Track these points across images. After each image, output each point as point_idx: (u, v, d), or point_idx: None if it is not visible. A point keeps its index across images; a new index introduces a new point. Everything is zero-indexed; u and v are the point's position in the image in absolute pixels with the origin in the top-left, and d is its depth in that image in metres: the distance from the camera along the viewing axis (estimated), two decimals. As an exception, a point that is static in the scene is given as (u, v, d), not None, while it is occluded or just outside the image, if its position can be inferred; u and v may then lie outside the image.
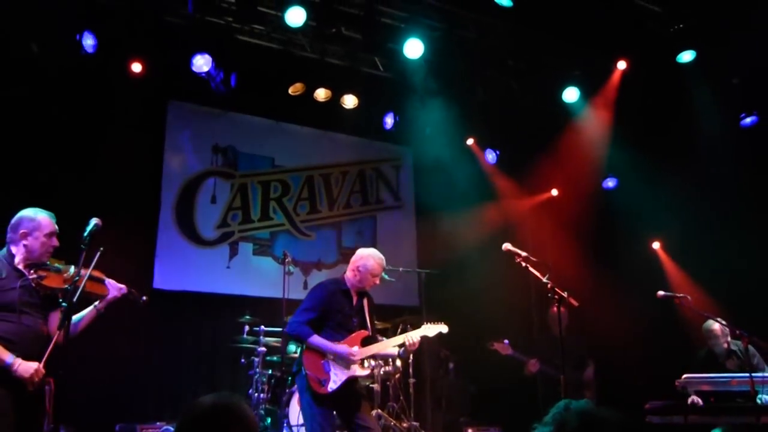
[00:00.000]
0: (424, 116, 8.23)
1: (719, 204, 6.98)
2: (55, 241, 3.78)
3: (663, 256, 7.82)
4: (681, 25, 6.91)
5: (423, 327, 4.96)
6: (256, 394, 6.19)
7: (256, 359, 6.28)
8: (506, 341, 6.72)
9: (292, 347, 6.40)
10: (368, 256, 4.80)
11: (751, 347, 5.43)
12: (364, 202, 8.93)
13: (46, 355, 3.51)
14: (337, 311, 4.66)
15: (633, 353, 7.01)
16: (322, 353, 4.52)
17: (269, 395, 6.29)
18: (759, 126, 7.05)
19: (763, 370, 5.38)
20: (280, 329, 6.30)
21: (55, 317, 3.72)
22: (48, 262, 3.73)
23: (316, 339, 4.52)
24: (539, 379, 6.76)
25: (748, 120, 7.16)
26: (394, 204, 9.16)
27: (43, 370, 3.51)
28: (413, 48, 6.96)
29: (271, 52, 7.35)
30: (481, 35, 7.30)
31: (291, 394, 6.10)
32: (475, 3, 6.85)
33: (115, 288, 3.86)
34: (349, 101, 7.96)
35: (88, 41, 6.32)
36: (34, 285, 3.63)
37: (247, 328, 6.56)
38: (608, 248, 7.99)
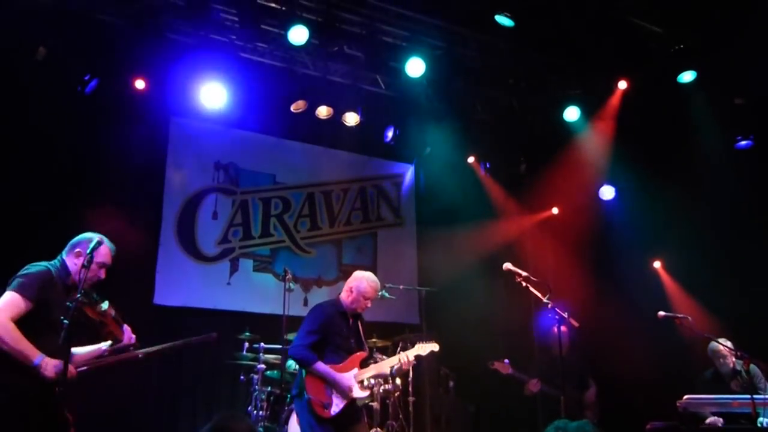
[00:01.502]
0: (426, 134, 8.27)
1: (720, 223, 6.98)
2: (103, 274, 3.80)
3: (664, 275, 7.81)
4: (682, 46, 6.95)
5: (416, 347, 5.01)
6: (255, 412, 6.16)
7: (256, 376, 6.26)
8: (506, 361, 6.71)
9: (291, 364, 6.37)
10: (362, 278, 4.84)
11: (754, 368, 5.42)
12: (364, 219, 8.94)
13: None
14: (336, 333, 4.71)
15: (633, 373, 6.98)
16: (324, 379, 4.56)
17: (268, 412, 6.26)
18: (758, 145, 7.06)
19: (764, 391, 5.36)
20: (279, 346, 6.28)
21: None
22: (90, 292, 3.75)
23: (321, 366, 4.57)
24: (539, 398, 6.72)
25: (743, 143, 7.19)
26: (394, 221, 9.17)
27: (75, 371, 3.57)
28: (415, 66, 7.01)
29: (273, 69, 7.40)
30: (482, 54, 7.35)
31: (290, 412, 6.06)
32: (476, 22, 6.90)
33: (128, 335, 3.91)
34: (351, 119, 7.99)
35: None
36: (75, 307, 3.59)
37: (246, 344, 6.54)
38: (609, 268, 7.97)
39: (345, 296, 4.84)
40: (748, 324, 6.12)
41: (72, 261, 3.73)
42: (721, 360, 5.67)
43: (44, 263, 3.70)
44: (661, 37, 6.92)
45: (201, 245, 7.69)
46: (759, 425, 4.73)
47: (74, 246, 3.77)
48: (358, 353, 4.75)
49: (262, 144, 8.36)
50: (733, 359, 5.57)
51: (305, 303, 7.80)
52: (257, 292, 7.81)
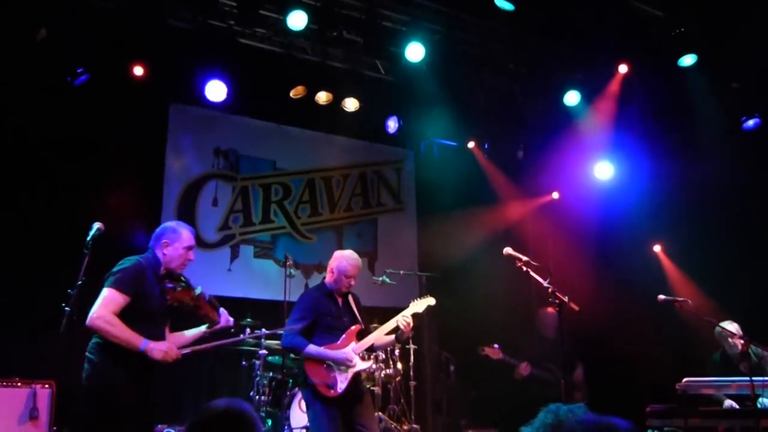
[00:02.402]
0: (426, 119, 8.24)
1: (720, 207, 6.99)
2: (192, 255, 3.98)
3: (664, 259, 7.83)
4: (682, 29, 6.91)
5: (411, 305, 5.06)
6: (257, 397, 6.20)
7: (257, 362, 6.29)
8: (496, 346, 6.74)
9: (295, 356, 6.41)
10: (341, 257, 4.86)
11: (758, 350, 5.45)
12: (365, 204, 8.94)
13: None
14: (326, 315, 4.74)
15: (635, 357, 7.01)
16: (321, 360, 4.58)
17: (270, 398, 6.30)
18: (760, 129, 7.06)
19: None
20: (281, 332, 6.31)
21: (167, 328, 3.97)
22: (182, 276, 3.89)
23: (313, 349, 4.59)
24: (532, 382, 6.76)
25: (750, 123, 7.16)
26: (395, 207, 9.17)
27: (179, 352, 3.75)
28: (414, 51, 6.98)
29: (272, 55, 7.36)
30: (483, 39, 7.31)
31: (292, 397, 6.11)
32: (476, 6, 6.87)
33: (225, 318, 4.02)
34: (351, 104, 7.97)
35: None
36: (168, 296, 3.80)
37: (248, 330, 6.56)
38: (609, 252, 7.99)
39: (329, 278, 4.89)
40: (750, 307, 6.14)
41: (161, 252, 3.86)
42: (729, 342, 5.69)
43: (135, 257, 3.83)
44: (661, 20, 6.89)
45: (201, 232, 7.69)
46: (759, 406, 4.77)
47: (160, 237, 3.90)
48: (352, 328, 4.77)
49: (261, 130, 8.34)
50: (741, 341, 5.58)
51: (306, 289, 7.81)
52: (258, 279, 7.83)
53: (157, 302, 3.76)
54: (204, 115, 7.82)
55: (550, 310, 6.59)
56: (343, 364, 4.58)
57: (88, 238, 3.67)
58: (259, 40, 7.23)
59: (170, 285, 3.79)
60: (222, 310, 4.04)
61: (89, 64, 6.57)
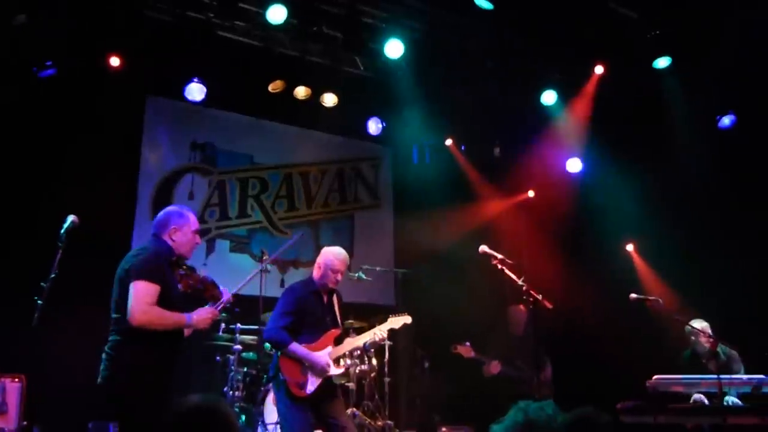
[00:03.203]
0: (404, 116, 8.26)
1: (693, 207, 7.10)
2: (199, 239, 3.95)
3: (636, 258, 7.94)
4: (657, 32, 7.01)
5: (389, 320, 5.09)
6: (231, 392, 6.17)
7: (232, 357, 6.26)
8: (467, 343, 6.79)
9: (268, 344, 6.39)
10: (329, 253, 4.87)
11: (726, 348, 5.58)
12: (342, 200, 8.94)
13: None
14: (310, 312, 4.74)
15: (606, 354, 7.11)
16: (299, 360, 4.59)
17: (244, 393, 6.28)
18: (733, 130, 7.17)
19: (739, 372, 5.51)
20: (256, 327, 6.29)
21: None
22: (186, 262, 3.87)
23: (295, 347, 4.59)
24: (500, 380, 6.82)
25: (726, 121, 7.23)
26: (372, 203, 9.18)
27: (215, 311, 3.80)
28: (394, 48, 6.99)
29: (251, 48, 7.32)
30: (461, 37, 7.35)
31: (266, 392, 6.10)
32: (455, 5, 6.89)
33: (226, 294, 3.97)
34: (329, 100, 7.95)
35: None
36: (181, 282, 3.76)
37: (223, 325, 6.53)
38: (583, 250, 8.09)
39: (316, 274, 4.87)
40: (720, 307, 6.26)
41: (170, 239, 3.79)
42: (697, 341, 5.80)
43: (149, 244, 3.76)
44: (637, 22, 6.98)
45: (177, 225, 7.62)
46: (725, 404, 4.87)
47: (167, 224, 3.81)
48: (332, 331, 4.79)
49: (239, 124, 8.30)
50: (709, 340, 5.69)
51: (282, 284, 7.79)
52: (234, 273, 7.76)
53: (176, 290, 3.71)
54: (181, 108, 7.76)
55: (521, 307, 6.68)
56: (321, 371, 4.60)
57: (62, 231, 3.62)
58: (239, 33, 7.19)
59: (182, 272, 3.76)
60: (222, 288, 4.02)
61: (65, 52, 6.46)
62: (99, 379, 3.57)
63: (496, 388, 6.80)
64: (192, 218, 3.90)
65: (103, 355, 3.59)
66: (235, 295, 4.08)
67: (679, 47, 7.02)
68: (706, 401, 5.06)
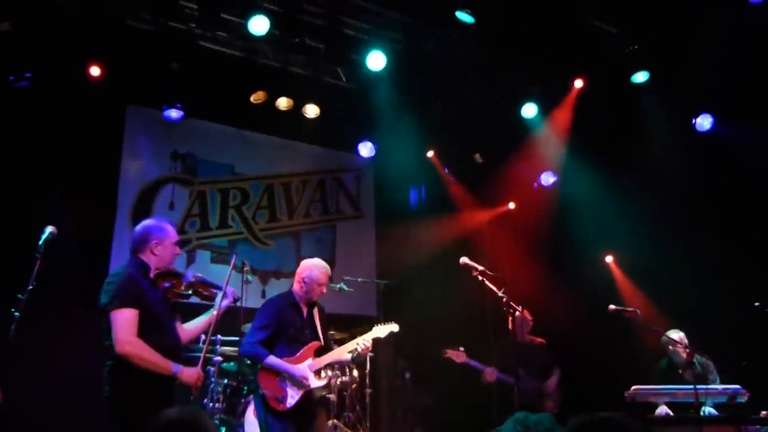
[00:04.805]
0: (385, 128, 8.29)
1: (671, 220, 7.20)
2: (178, 249, 3.92)
3: (615, 269, 8.03)
4: (636, 47, 7.13)
5: (374, 329, 4.99)
6: (211, 404, 6.12)
7: (212, 368, 6.21)
8: (461, 348, 6.71)
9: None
10: (312, 266, 4.82)
11: (702, 359, 5.64)
12: (324, 211, 8.94)
13: (201, 361, 3.80)
14: (289, 325, 4.68)
15: (585, 365, 7.16)
16: (277, 372, 4.54)
17: (224, 405, 6.23)
18: (710, 143, 7.27)
19: (714, 382, 5.58)
20: (237, 338, 6.25)
21: (177, 324, 3.90)
22: (171, 270, 3.83)
23: (272, 360, 4.54)
24: (495, 388, 6.80)
25: (706, 125, 7.27)
26: (354, 214, 9.19)
27: (202, 374, 3.76)
28: (376, 60, 7.02)
29: (233, 59, 7.32)
30: (443, 49, 7.41)
31: (247, 404, 6.05)
32: (437, 18, 6.95)
33: (231, 292, 4.03)
34: (311, 111, 7.97)
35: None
36: (169, 295, 3.75)
37: (203, 336, 6.48)
38: (563, 261, 8.16)
39: (298, 287, 4.82)
40: (697, 317, 6.34)
41: (151, 253, 3.76)
42: (674, 351, 5.86)
43: (122, 269, 3.72)
44: (616, 37, 7.09)
45: (157, 236, 7.57)
46: (702, 413, 4.94)
47: (147, 239, 3.77)
48: (312, 343, 4.72)
49: (220, 134, 8.28)
50: (686, 350, 5.76)
51: (263, 295, 7.75)
52: (214, 284, 7.74)
53: (160, 306, 3.68)
54: (162, 117, 7.72)
55: (525, 314, 6.59)
56: (299, 382, 4.53)
57: (40, 242, 3.59)
58: (220, 44, 7.18)
59: (167, 284, 3.73)
60: (228, 289, 4.04)
61: (45, 61, 6.42)
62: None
63: (482, 398, 6.77)
64: (171, 230, 3.89)
65: (105, 374, 3.60)
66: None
67: (657, 62, 7.13)
68: (669, 413, 5.12)
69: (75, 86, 6.76)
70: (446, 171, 8.99)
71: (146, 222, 3.88)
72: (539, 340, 6.82)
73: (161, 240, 3.78)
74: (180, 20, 6.76)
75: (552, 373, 6.79)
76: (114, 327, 3.48)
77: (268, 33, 6.65)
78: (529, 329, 6.69)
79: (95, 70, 6.74)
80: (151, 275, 3.73)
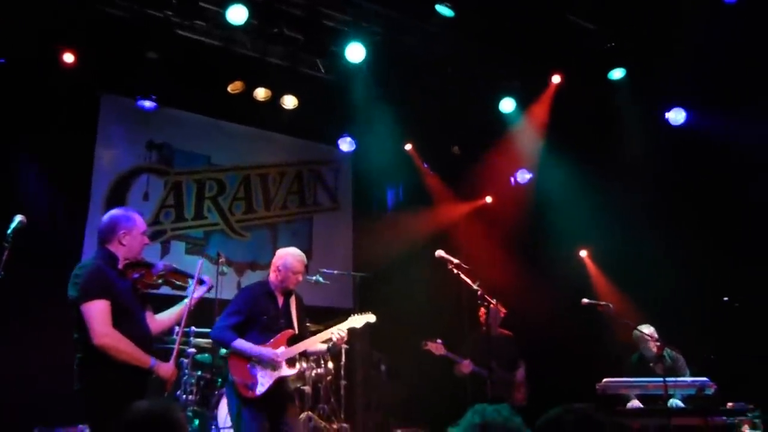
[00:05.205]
0: (364, 120, 8.29)
1: (644, 215, 7.29)
2: (146, 239, 3.85)
3: (589, 263, 8.12)
4: (613, 44, 7.19)
5: (350, 319, 4.97)
6: (185, 396, 6.08)
7: (185, 360, 6.17)
8: (439, 341, 6.74)
9: (223, 349, 6.33)
10: (287, 254, 4.81)
11: (672, 353, 5.75)
12: (301, 203, 8.92)
13: (174, 356, 3.72)
14: (263, 313, 4.65)
15: (558, 357, 7.25)
16: (247, 357, 4.50)
17: (198, 397, 6.20)
18: (683, 141, 7.36)
19: (683, 375, 5.68)
20: (211, 330, 6.22)
21: (149, 315, 3.83)
22: (140, 260, 3.77)
23: (240, 343, 4.49)
24: (469, 380, 6.85)
25: (680, 119, 7.33)
26: (331, 206, 9.17)
27: (176, 370, 3.73)
28: (355, 52, 7.00)
29: (211, 48, 7.24)
30: (422, 42, 7.40)
31: (220, 396, 6.03)
32: (417, 10, 6.94)
33: (207, 280, 3.99)
34: (289, 102, 7.93)
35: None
36: (138, 285, 3.69)
37: (176, 328, 6.43)
38: (538, 255, 8.24)
39: (273, 276, 4.79)
40: (668, 312, 6.44)
41: (119, 244, 3.70)
42: (645, 345, 5.96)
43: (89, 261, 3.68)
44: (594, 34, 7.14)
45: (131, 226, 7.49)
46: (670, 406, 5.02)
47: (115, 230, 3.70)
48: (285, 331, 4.69)
49: (197, 124, 8.21)
50: (657, 344, 5.84)
51: (239, 287, 7.72)
52: (189, 276, 7.68)
53: (129, 297, 3.63)
54: (137, 106, 7.62)
55: (500, 308, 6.64)
56: (270, 363, 4.48)
57: (9, 231, 3.53)
58: (198, 32, 7.10)
59: (136, 275, 3.68)
60: (206, 277, 4.02)
61: (17, 46, 6.30)
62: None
63: (453, 390, 6.82)
64: (139, 220, 3.84)
65: (75, 368, 3.55)
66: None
67: (634, 59, 7.20)
68: (640, 405, 5.22)
69: (48, 73, 6.64)
70: (424, 164, 9.00)
71: (113, 212, 3.81)
72: (506, 332, 6.87)
73: (129, 230, 3.73)
74: (157, 8, 6.67)
75: (518, 365, 6.86)
76: (88, 319, 3.43)
77: (247, 22, 6.60)
78: (500, 322, 6.75)
79: (69, 57, 6.64)
80: (120, 266, 3.68)
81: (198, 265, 3.91)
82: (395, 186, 8.83)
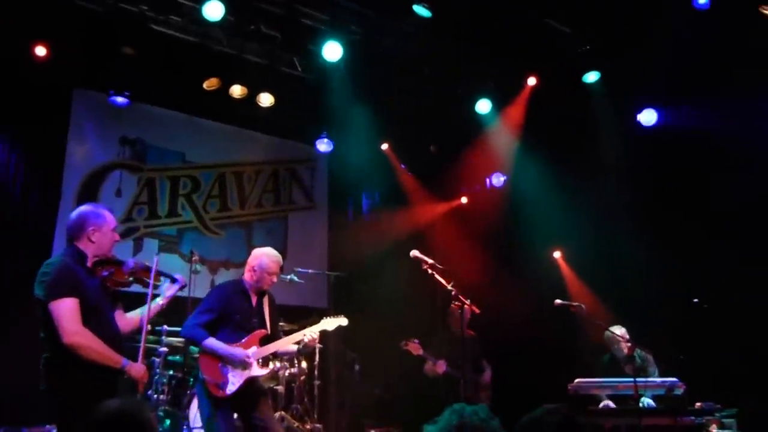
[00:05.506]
0: (340, 119, 8.27)
1: (617, 217, 7.37)
2: (117, 235, 3.76)
3: (563, 265, 8.19)
4: (588, 47, 7.27)
5: (322, 321, 4.95)
6: (156, 396, 6.01)
7: (157, 359, 6.10)
8: (416, 341, 6.74)
9: (195, 348, 6.26)
10: (262, 255, 4.78)
11: (643, 353, 5.82)
12: (276, 202, 8.87)
13: (141, 355, 3.66)
14: (236, 312, 4.61)
15: (530, 358, 7.30)
16: (218, 356, 4.47)
17: (169, 396, 6.13)
18: (655, 144, 7.46)
19: (653, 375, 5.77)
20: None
21: (119, 313, 3.75)
22: (110, 258, 3.69)
23: (211, 342, 4.45)
24: (442, 381, 6.87)
25: (652, 120, 7.40)
26: (306, 205, 9.14)
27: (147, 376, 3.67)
28: (332, 51, 6.97)
29: (187, 44, 7.17)
30: (400, 42, 7.41)
31: (192, 396, 5.97)
32: (395, 11, 6.95)
33: (179, 278, 3.91)
34: (266, 99, 7.88)
35: None
36: (108, 284, 3.61)
37: (148, 327, 6.35)
38: (512, 256, 8.29)
39: (248, 276, 4.76)
40: (639, 313, 6.52)
41: (89, 241, 3.61)
42: (616, 346, 6.03)
43: (57, 257, 3.58)
44: (569, 37, 7.21)
45: (103, 223, 7.39)
46: (641, 405, 5.09)
47: (84, 226, 3.61)
48: (258, 331, 4.66)
49: (172, 120, 8.13)
50: (628, 345, 5.91)
51: (212, 285, 7.66)
52: (162, 274, 7.60)
53: (97, 295, 3.55)
54: (110, 101, 7.52)
55: (474, 308, 6.64)
56: (240, 364, 4.44)
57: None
58: (174, 28, 7.03)
59: (106, 273, 3.60)
60: (178, 276, 3.96)
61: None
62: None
63: (426, 390, 6.83)
64: (109, 216, 3.75)
65: (41, 368, 3.47)
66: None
67: (608, 63, 7.29)
68: (613, 405, 5.29)
69: (20, 66, 6.52)
70: (400, 164, 9.01)
71: (82, 208, 3.71)
72: (471, 332, 6.89)
73: (99, 226, 3.64)
74: (131, 2, 6.59)
75: (483, 366, 6.90)
76: (57, 318, 3.35)
77: (223, 19, 6.54)
78: (467, 322, 6.78)
79: (41, 50, 6.53)
80: (89, 263, 3.61)
81: (154, 261, 3.83)
82: (371, 185, 8.83)
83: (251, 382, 4.49)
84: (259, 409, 4.53)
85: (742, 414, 5.28)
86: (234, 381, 4.42)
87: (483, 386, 6.81)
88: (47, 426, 5.76)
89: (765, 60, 6.24)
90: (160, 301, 3.92)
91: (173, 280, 3.95)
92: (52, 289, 3.39)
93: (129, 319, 3.87)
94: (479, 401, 6.47)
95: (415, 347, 6.61)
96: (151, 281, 3.78)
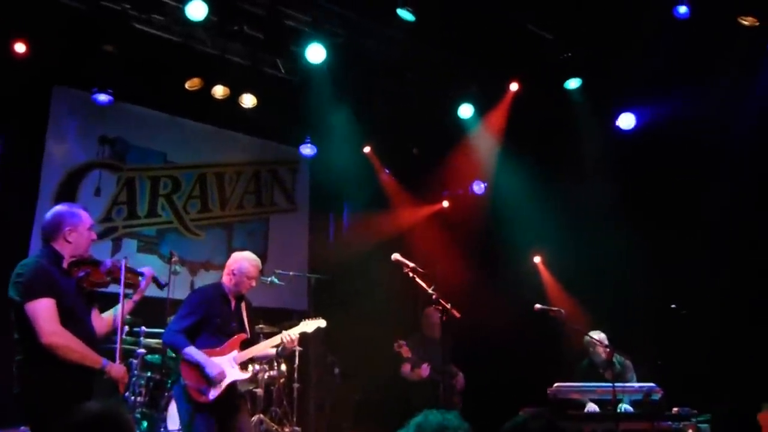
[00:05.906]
0: (322, 121, 8.25)
1: (596, 223, 7.43)
2: (94, 234, 3.72)
3: (543, 270, 8.24)
4: (569, 54, 7.33)
5: (301, 323, 4.96)
6: (133, 398, 5.95)
7: (135, 361, 6.04)
8: (404, 343, 6.68)
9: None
10: (242, 259, 4.78)
11: (621, 358, 5.88)
12: (257, 203, 8.83)
13: (119, 356, 3.62)
14: (216, 316, 4.62)
15: (510, 362, 7.34)
16: (196, 365, 4.44)
17: (147, 398, 6.07)
18: (634, 152, 7.54)
19: (631, 380, 5.82)
20: (161, 330, 6.10)
21: (95, 314, 3.71)
22: (86, 258, 3.64)
23: (191, 352, 4.44)
24: (421, 384, 6.85)
25: (630, 123, 7.44)
26: (288, 207, 9.11)
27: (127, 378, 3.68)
28: (315, 53, 6.96)
29: (169, 44, 7.11)
30: (383, 46, 7.42)
31: (170, 398, 5.91)
32: (378, 14, 6.95)
33: (147, 272, 3.87)
34: (248, 101, 7.83)
35: None
36: (84, 284, 3.56)
37: (126, 328, 6.29)
38: (493, 260, 8.33)
39: (227, 279, 4.76)
40: (618, 318, 6.58)
41: (65, 241, 3.56)
42: (593, 350, 6.08)
43: (32, 258, 3.54)
44: (551, 43, 7.27)
45: (81, 223, 7.30)
46: (619, 410, 5.14)
47: (60, 226, 3.57)
48: (238, 335, 4.67)
49: (153, 120, 8.05)
50: (607, 350, 5.96)
51: (192, 287, 7.60)
52: (141, 274, 7.52)
53: (73, 295, 3.51)
54: (91, 100, 7.43)
55: (454, 312, 6.62)
56: (216, 378, 4.41)
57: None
58: (156, 27, 6.96)
59: (82, 273, 3.56)
60: (145, 269, 3.90)
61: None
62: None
63: (407, 394, 6.83)
64: (84, 215, 3.70)
65: (14, 370, 3.42)
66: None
67: (589, 69, 7.36)
68: (597, 409, 5.34)
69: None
70: (382, 167, 9.02)
71: (57, 208, 3.66)
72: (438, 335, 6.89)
73: (75, 226, 3.60)
74: (114, 0, 6.52)
75: (455, 371, 6.89)
76: (35, 318, 3.31)
77: (206, 19, 6.50)
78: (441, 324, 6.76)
79: (20, 47, 6.44)
80: (65, 264, 3.56)
81: (121, 264, 3.77)
82: (353, 188, 8.81)
83: (232, 386, 4.50)
84: (238, 414, 4.55)
85: (716, 419, 5.35)
86: (215, 386, 4.42)
87: (456, 391, 6.81)
88: (22, 428, 5.66)
89: (743, 67, 6.35)
90: (134, 297, 3.89)
91: (140, 275, 3.88)
92: (27, 290, 3.35)
93: (105, 319, 3.83)
94: (451, 405, 6.48)
95: (406, 350, 6.62)
96: (122, 280, 3.72)
